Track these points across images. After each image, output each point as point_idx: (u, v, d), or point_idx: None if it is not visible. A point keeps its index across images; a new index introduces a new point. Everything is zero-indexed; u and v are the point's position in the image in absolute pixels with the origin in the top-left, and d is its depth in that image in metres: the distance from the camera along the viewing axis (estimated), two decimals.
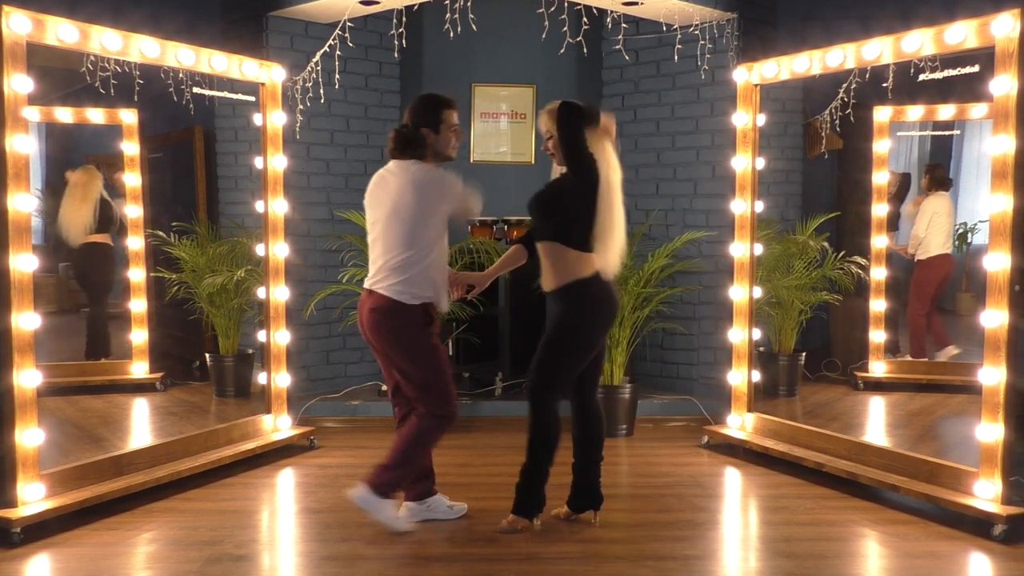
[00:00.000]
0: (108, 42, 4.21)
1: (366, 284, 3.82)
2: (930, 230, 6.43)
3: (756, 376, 5.26)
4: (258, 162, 5.22)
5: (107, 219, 6.58)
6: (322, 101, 5.69)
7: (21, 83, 3.79)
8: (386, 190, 3.78)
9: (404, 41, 5.54)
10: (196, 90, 5.01)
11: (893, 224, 6.75)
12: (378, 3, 5.69)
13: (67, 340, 6.61)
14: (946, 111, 6.28)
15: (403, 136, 3.78)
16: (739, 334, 5.18)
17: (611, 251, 3.75)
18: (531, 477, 3.81)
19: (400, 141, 3.79)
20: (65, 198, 6.52)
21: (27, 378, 3.84)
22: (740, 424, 5.19)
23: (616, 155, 3.79)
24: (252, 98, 5.33)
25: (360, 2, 5.63)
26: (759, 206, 5.18)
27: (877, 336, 6.44)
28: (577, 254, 3.71)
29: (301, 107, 5.68)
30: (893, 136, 6.52)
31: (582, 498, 3.93)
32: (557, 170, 3.89)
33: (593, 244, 3.72)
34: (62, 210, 6.52)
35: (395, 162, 3.81)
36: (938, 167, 6.61)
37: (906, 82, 4.59)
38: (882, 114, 6.41)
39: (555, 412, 3.77)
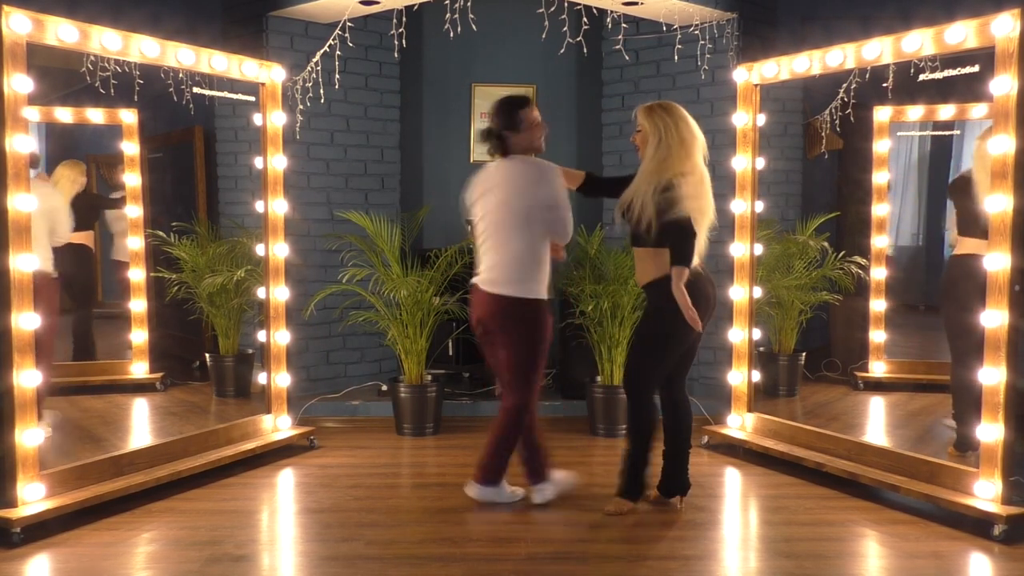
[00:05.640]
0: (108, 42, 4.21)
1: None
2: None
3: (756, 376, 5.26)
4: (258, 162, 5.23)
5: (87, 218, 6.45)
6: (322, 101, 5.69)
7: (21, 83, 3.78)
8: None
9: (404, 41, 5.53)
10: (196, 90, 5.00)
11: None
12: (378, 3, 5.68)
13: (67, 340, 6.60)
14: (946, 111, 6.27)
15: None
16: (739, 334, 5.18)
17: None
18: (633, 463, 4.08)
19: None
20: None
21: (27, 378, 3.84)
22: (740, 424, 5.19)
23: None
24: (252, 98, 5.33)
25: (360, 2, 5.63)
26: (759, 206, 5.17)
27: (877, 336, 6.44)
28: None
29: (301, 107, 5.68)
30: (893, 136, 6.52)
31: (671, 483, 4.21)
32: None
33: None
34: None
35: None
36: None
37: (906, 82, 4.58)
38: (882, 114, 6.41)
39: (650, 402, 4.05)
